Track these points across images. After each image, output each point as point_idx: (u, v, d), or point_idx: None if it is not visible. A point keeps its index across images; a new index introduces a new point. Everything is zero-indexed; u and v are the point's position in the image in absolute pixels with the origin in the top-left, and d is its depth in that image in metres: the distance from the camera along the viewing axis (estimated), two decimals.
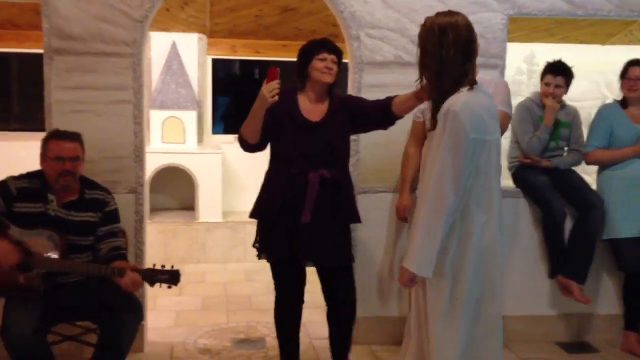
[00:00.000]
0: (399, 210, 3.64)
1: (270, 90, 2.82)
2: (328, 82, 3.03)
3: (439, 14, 2.43)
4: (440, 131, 2.32)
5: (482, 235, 2.36)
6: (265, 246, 3.13)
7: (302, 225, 2.97)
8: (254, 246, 3.17)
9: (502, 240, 2.47)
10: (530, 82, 6.22)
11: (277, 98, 2.83)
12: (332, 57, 3.02)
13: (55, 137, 2.97)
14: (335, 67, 3.02)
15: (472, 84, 2.37)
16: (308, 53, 3.06)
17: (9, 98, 6.77)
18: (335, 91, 3.11)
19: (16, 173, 3.01)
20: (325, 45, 3.04)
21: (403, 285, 2.45)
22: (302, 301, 3.26)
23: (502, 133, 3.00)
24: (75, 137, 3.00)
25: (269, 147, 3.17)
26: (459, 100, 2.31)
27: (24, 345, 2.62)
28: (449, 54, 2.33)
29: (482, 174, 2.35)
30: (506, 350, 3.85)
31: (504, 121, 3.31)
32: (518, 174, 3.99)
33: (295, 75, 3.14)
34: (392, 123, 3.07)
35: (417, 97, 2.78)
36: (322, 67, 3.01)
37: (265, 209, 3.11)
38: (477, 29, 3.58)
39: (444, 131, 2.30)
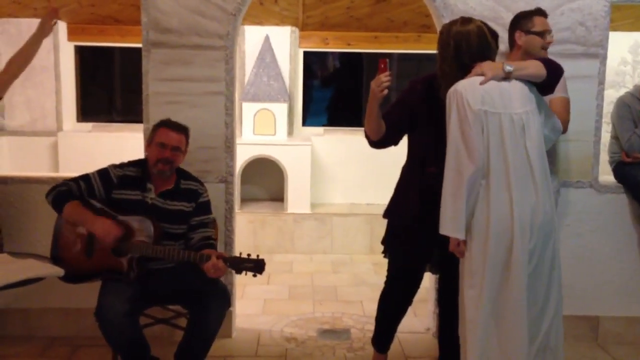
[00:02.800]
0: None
1: (378, 83, 2.70)
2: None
3: (453, 24, 2.72)
4: (448, 111, 2.58)
5: (498, 211, 2.50)
6: (395, 249, 3.06)
7: (439, 234, 2.63)
8: (382, 243, 3.12)
9: (540, 222, 2.54)
10: (634, 73, 5.90)
11: (386, 92, 2.71)
12: None
13: (165, 125, 3.09)
14: None
15: None
16: None
17: (112, 91, 7.10)
18: None
19: (123, 162, 3.15)
20: None
21: (456, 253, 2.63)
22: (411, 301, 3.18)
23: (565, 117, 3.17)
24: (182, 129, 3.11)
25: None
26: (462, 81, 2.59)
27: (116, 326, 2.74)
28: (464, 61, 2.65)
29: (495, 148, 2.51)
30: (601, 351, 3.69)
31: (566, 106, 3.23)
32: (618, 169, 3.80)
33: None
34: None
35: None
36: None
37: (397, 212, 3.01)
38: (577, 16, 3.51)
39: (451, 110, 2.56)
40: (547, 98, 3.10)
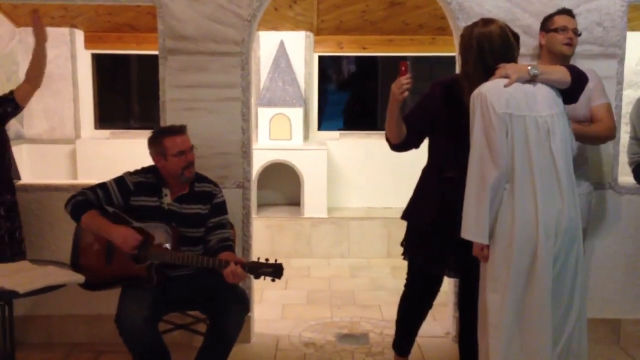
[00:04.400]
0: None
1: (399, 86, 2.70)
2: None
3: (475, 25, 2.68)
4: (472, 114, 2.54)
5: (523, 216, 2.47)
6: (411, 251, 3.04)
7: (458, 238, 2.60)
8: (401, 245, 3.11)
9: (565, 226, 2.50)
10: None
11: (407, 94, 2.71)
12: None
13: (168, 134, 3.07)
14: None
15: None
16: None
17: (129, 98, 7.16)
18: None
19: (137, 169, 3.17)
20: None
21: (480, 258, 2.60)
22: (431, 305, 3.17)
23: (609, 123, 3.16)
24: (184, 129, 3.11)
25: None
26: (486, 83, 2.55)
27: (135, 332, 2.76)
28: (487, 62, 2.60)
29: (520, 151, 2.47)
30: (622, 354, 3.65)
31: (609, 111, 3.22)
32: (638, 170, 3.77)
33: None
34: None
35: None
36: None
37: (414, 215, 3.00)
38: (595, 16, 3.49)
39: (474, 113, 2.52)
40: (583, 104, 3.12)
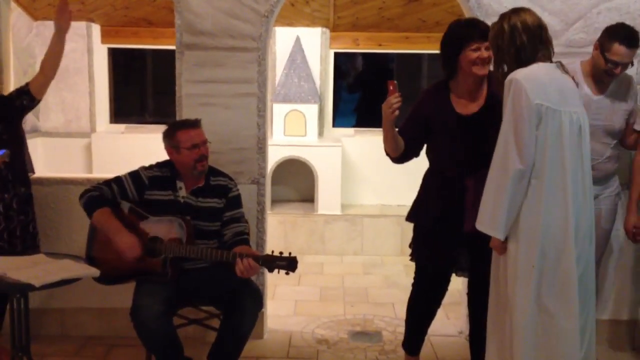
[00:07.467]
0: (627, 232, 3.27)
1: (389, 105, 2.73)
2: (483, 75, 2.75)
3: (504, 14, 2.53)
4: (505, 100, 2.42)
5: (552, 214, 2.38)
6: (417, 251, 3.07)
7: (462, 236, 2.64)
8: (409, 246, 3.12)
9: (585, 228, 2.45)
10: None
11: (397, 113, 2.73)
12: (486, 43, 2.67)
13: (182, 127, 3.08)
14: (489, 54, 2.67)
15: (545, 60, 2.48)
16: (457, 41, 2.77)
17: (145, 92, 7.18)
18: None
19: (151, 163, 3.18)
20: (475, 31, 2.73)
21: (495, 250, 2.54)
22: (439, 304, 3.19)
23: None
24: (198, 123, 3.12)
25: None
26: (522, 70, 2.41)
27: (150, 326, 2.77)
28: (522, 41, 2.43)
29: (553, 147, 2.36)
30: (637, 356, 3.61)
31: None
32: None
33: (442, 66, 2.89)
34: None
35: None
36: (474, 58, 2.72)
37: (420, 215, 3.03)
38: (614, 15, 3.44)
39: (507, 99, 2.40)
40: (621, 116, 3.17)
